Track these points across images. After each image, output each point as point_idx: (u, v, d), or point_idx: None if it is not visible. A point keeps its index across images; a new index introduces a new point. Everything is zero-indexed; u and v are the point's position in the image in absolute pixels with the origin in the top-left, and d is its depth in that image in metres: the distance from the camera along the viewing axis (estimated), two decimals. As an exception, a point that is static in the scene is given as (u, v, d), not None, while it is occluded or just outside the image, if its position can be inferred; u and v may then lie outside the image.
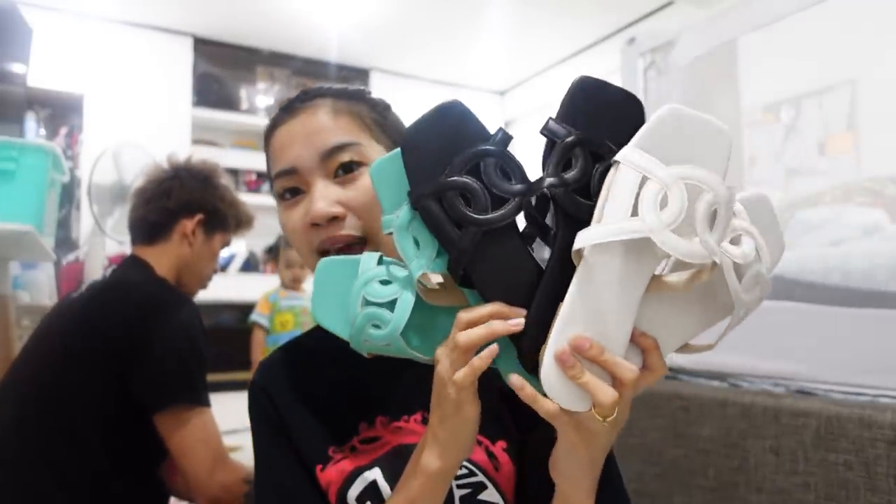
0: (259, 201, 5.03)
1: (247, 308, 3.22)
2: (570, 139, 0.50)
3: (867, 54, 2.99)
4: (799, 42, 2.76)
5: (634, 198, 0.46)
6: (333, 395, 0.71)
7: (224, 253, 1.45)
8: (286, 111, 0.69)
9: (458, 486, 0.64)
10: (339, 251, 0.64)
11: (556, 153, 0.51)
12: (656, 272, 0.51)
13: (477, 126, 0.54)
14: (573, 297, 0.48)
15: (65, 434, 1.07)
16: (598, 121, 0.51)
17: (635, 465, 1.23)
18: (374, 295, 0.55)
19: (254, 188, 5.30)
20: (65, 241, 3.67)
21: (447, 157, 0.52)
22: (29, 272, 2.26)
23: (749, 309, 0.53)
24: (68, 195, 3.85)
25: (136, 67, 4.63)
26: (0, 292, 1.49)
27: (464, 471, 0.65)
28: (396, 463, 0.64)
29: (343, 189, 0.65)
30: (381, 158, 0.57)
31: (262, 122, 5.47)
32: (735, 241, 0.52)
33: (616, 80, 0.54)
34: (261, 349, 2.95)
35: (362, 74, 5.28)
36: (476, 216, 0.50)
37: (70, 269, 3.33)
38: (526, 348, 0.51)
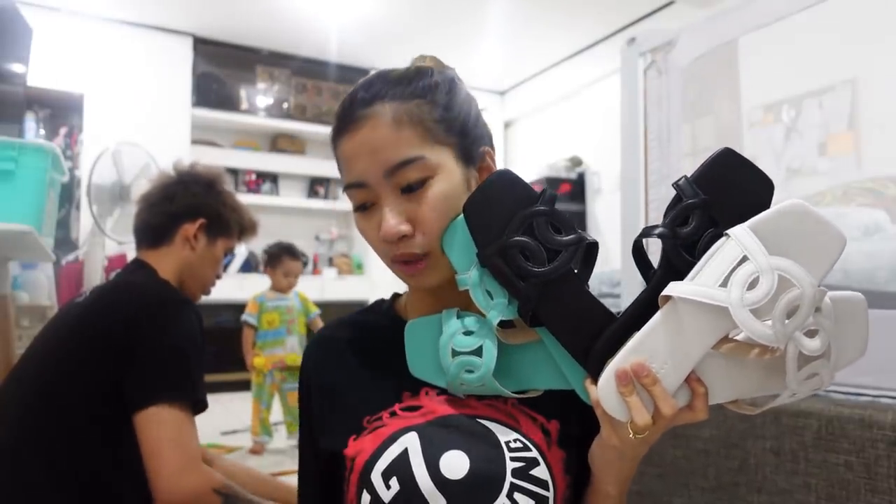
0: (259, 201, 5.04)
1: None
2: (693, 200, 0.57)
3: (867, 54, 2.99)
4: (799, 42, 2.75)
5: (730, 271, 0.52)
6: (379, 367, 0.72)
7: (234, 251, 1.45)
8: (349, 119, 0.67)
9: (512, 459, 0.64)
10: (406, 263, 0.68)
11: (678, 209, 0.57)
12: (729, 334, 0.57)
13: (525, 188, 0.62)
14: (649, 330, 0.56)
15: (64, 433, 1.07)
16: (727, 191, 0.58)
17: (635, 465, 1.23)
18: (461, 345, 0.64)
19: (253, 188, 5.30)
20: (64, 241, 3.67)
21: (505, 218, 0.60)
22: (28, 272, 2.26)
23: (799, 396, 0.57)
24: (68, 195, 3.85)
25: (136, 67, 4.63)
26: (0, 292, 1.49)
27: (518, 444, 0.65)
28: (438, 431, 0.65)
29: (411, 204, 0.65)
30: (447, 228, 0.65)
31: (263, 122, 5.49)
32: (811, 335, 0.54)
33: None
34: (250, 345, 3.22)
35: (362, 74, 5.27)
36: (535, 269, 0.59)
37: (69, 270, 3.33)
38: (598, 353, 0.59)
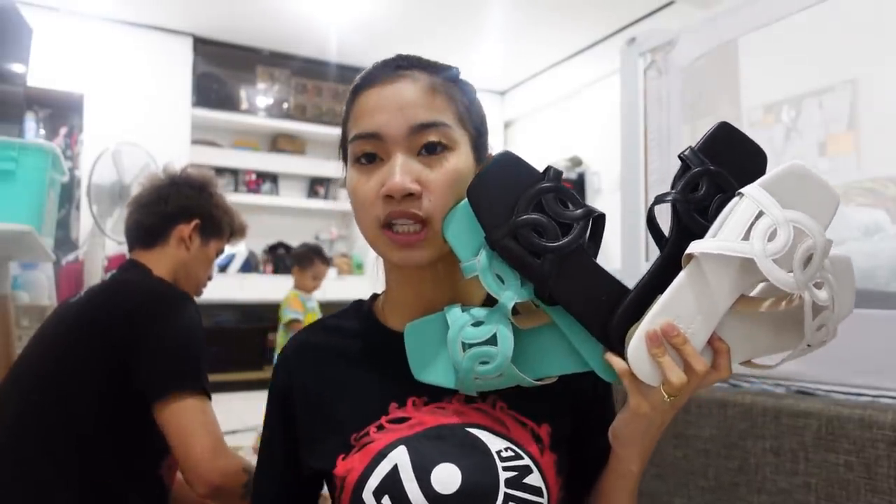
0: (259, 201, 5.04)
1: (246, 308, 3.29)
2: (700, 168, 0.60)
3: (867, 54, 2.99)
4: (799, 42, 2.75)
5: (748, 227, 0.55)
6: (364, 376, 0.70)
7: (224, 253, 1.47)
8: (380, 76, 0.67)
9: (505, 469, 0.63)
10: (402, 234, 0.64)
11: (687, 176, 0.60)
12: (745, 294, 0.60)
13: (528, 168, 0.63)
14: (674, 291, 0.57)
15: (66, 431, 1.07)
16: (728, 161, 0.61)
17: (635, 465, 1.23)
18: (472, 337, 0.61)
19: (253, 188, 5.30)
20: (64, 241, 3.67)
21: (512, 199, 0.60)
22: (28, 272, 2.26)
23: (812, 347, 0.60)
24: (68, 195, 3.85)
25: (136, 67, 4.63)
26: (0, 292, 1.49)
27: (510, 453, 0.64)
28: (428, 444, 0.64)
29: (424, 168, 0.64)
30: (447, 215, 0.64)
31: (262, 122, 5.49)
32: (819, 286, 0.58)
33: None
34: None
35: (362, 74, 5.27)
36: (551, 244, 0.59)
37: (69, 270, 3.33)
38: (618, 323, 0.59)
